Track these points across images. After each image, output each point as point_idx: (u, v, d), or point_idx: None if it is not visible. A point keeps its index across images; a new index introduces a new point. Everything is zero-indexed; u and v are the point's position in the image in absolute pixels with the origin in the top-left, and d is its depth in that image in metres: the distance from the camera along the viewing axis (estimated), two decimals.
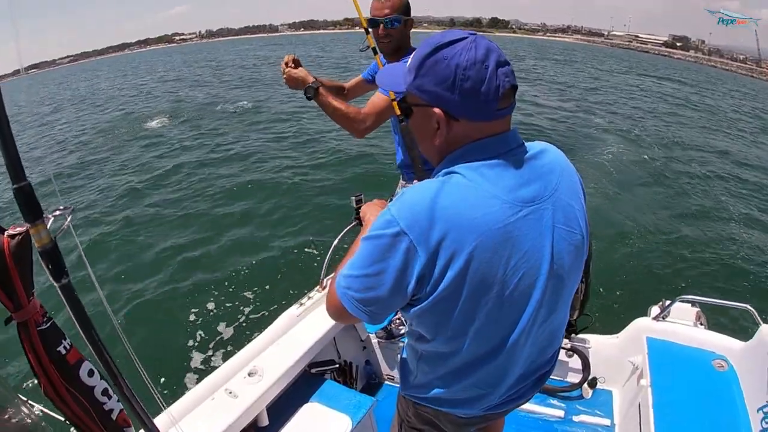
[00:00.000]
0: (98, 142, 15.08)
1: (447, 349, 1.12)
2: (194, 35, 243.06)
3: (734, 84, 40.48)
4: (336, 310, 1.12)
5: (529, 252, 1.00)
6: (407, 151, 2.44)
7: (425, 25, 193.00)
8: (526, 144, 1.09)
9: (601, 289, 5.07)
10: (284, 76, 2.23)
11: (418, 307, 1.03)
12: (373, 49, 2.44)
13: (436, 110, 1.00)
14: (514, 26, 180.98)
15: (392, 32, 2.26)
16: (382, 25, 2.26)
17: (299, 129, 14.04)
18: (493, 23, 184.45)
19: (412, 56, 1.05)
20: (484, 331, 1.06)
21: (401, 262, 0.96)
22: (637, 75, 34.91)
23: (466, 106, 0.98)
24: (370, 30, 2.37)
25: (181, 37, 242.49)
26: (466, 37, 0.97)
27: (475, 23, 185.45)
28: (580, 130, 13.30)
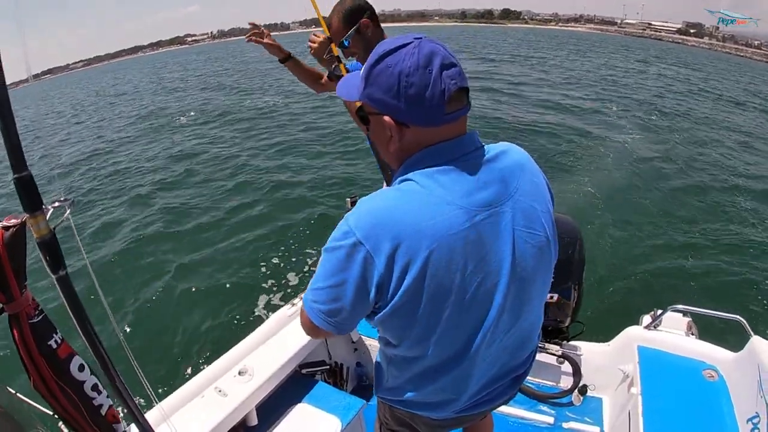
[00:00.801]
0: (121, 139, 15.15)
1: (412, 354, 1.12)
2: (206, 36, 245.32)
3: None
4: (306, 326, 1.14)
5: (487, 257, 1.00)
6: (376, 156, 2.48)
7: (436, 18, 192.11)
8: (487, 146, 1.08)
9: (593, 297, 5.09)
10: (265, 40, 2.40)
11: (381, 314, 1.03)
12: (337, 57, 2.48)
13: (386, 118, 1.00)
14: (526, 17, 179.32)
15: (350, 50, 2.23)
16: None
17: (303, 127, 14.08)
18: (505, 14, 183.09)
19: (364, 66, 1.04)
20: (447, 336, 1.06)
21: (360, 272, 0.97)
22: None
23: (413, 113, 0.97)
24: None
25: (193, 38, 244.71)
26: (410, 42, 0.96)
27: (487, 15, 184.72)
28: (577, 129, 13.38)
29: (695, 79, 26.45)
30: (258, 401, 2.02)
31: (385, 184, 2.81)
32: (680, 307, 2.46)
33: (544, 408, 2.62)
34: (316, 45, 2.33)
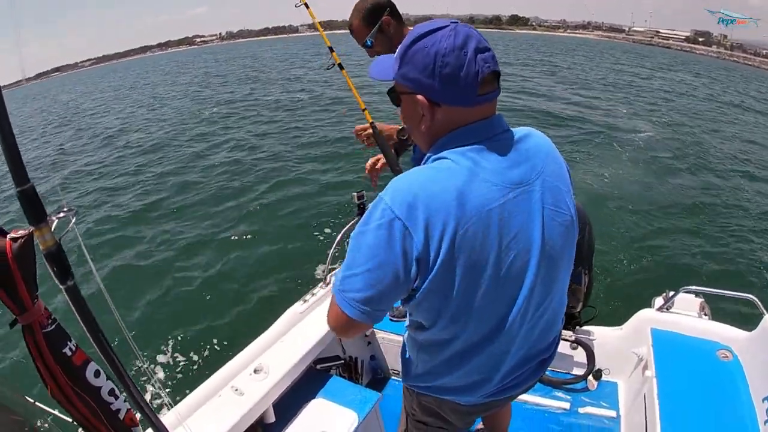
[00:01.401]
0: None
1: (446, 335, 1.13)
2: (215, 37, 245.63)
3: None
4: (338, 322, 1.11)
5: (521, 233, 1.03)
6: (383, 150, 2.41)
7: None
8: (513, 129, 1.12)
9: (606, 281, 5.07)
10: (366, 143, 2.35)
11: (419, 292, 1.03)
12: (339, 65, 2.53)
13: (419, 97, 1.03)
14: (534, 23, 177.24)
15: (375, 49, 2.21)
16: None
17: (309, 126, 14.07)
18: (513, 20, 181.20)
19: (399, 46, 1.07)
20: (482, 312, 1.07)
21: (401, 249, 0.97)
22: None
23: (446, 92, 1.00)
24: (334, 48, 2.50)
25: (202, 39, 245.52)
26: (447, 26, 1.00)
27: (495, 20, 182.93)
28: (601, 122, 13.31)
29: (704, 86, 26.03)
30: (274, 398, 2.04)
31: None
32: (692, 288, 2.45)
33: (560, 394, 2.62)
34: (364, 136, 2.34)
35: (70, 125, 21.40)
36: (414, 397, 1.40)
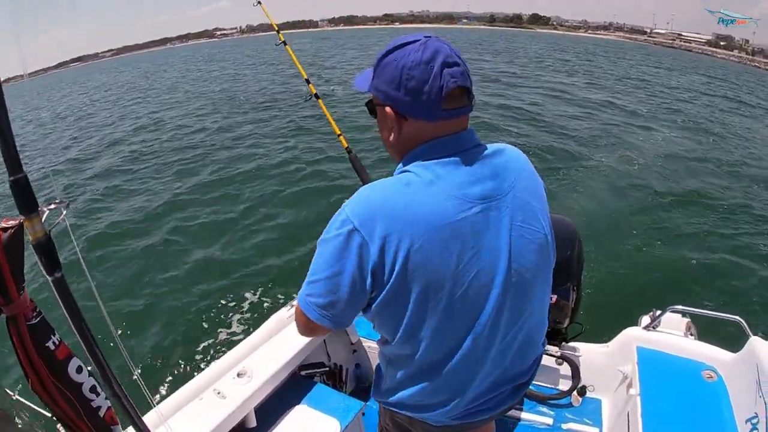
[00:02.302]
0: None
1: (407, 350, 1.11)
2: (235, 30, 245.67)
3: None
4: (302, 324, 1.15)
5: (484, 249, 1.01)
6: None
7: (464, 21, 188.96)
8: (486, 145, 1.11)
9: (593, 297, 5.09)
10: None
11: (376, 303, 1.04)
12: (315, 95, 2.65)
13: (387, 109, 1.05)
14: (555, 22, 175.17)
15: None
16: None
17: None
18: (534, 19, 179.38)
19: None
20: (440, 331, 1.05)
21: (356, 260, 0.99)
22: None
23: (411, 105, 1.02)
24: (310, 80, 2.67)
25: (222, 32, 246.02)
26: (419, 40, 1.02)
27: (516, 19, 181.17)
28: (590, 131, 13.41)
29: (724, 90, 25.97)
30: (257, 403, 2.02)
31: None
32: (679, 307, 2.46)
33: (543, 409, 2.62)
34: None
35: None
36: (387, 412, 1.38)
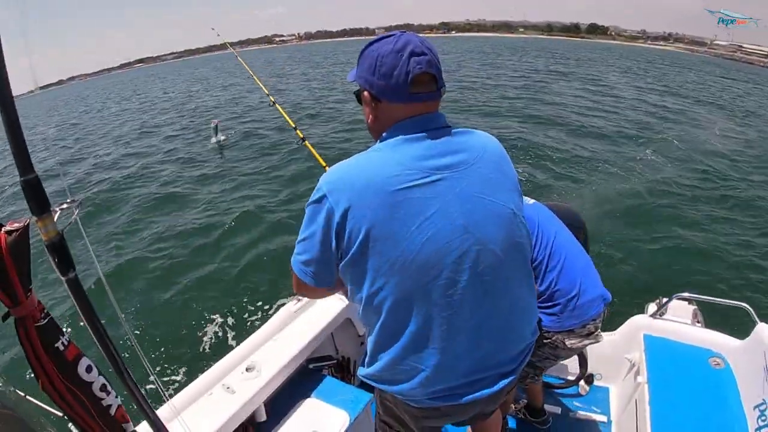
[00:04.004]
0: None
1: (373, 316, 1.19)
2: (293, 37, 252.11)
3: None
4: (294, 280, 1.27)
5: (437, 215, 1.09)
6: None
7: (521, 30, 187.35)
8: (455, 127, 1.21)
9: None
10: None
11: (342, 265, 1.16)
12: (303, 139, 2.91)
13: (365, 93, 1.20)
14: (613, 32, 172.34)
15: None
16: None
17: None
18: (592, 29, 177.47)
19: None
20: (399, 293, 1.12)
21: (324, 221, 1.11)
22: None
23: (383, 88, 1.16)
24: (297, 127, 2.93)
25: (281, 38, 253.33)
26: (394, 34, 1.17)
27: (573, 29, 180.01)
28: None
29: None
30: (266, 397, 2.03)
31: None
32: (686, 294, 2.46)
33: (552, 398, 2.63)
34: None
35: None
36: (378, 393, 1.43)
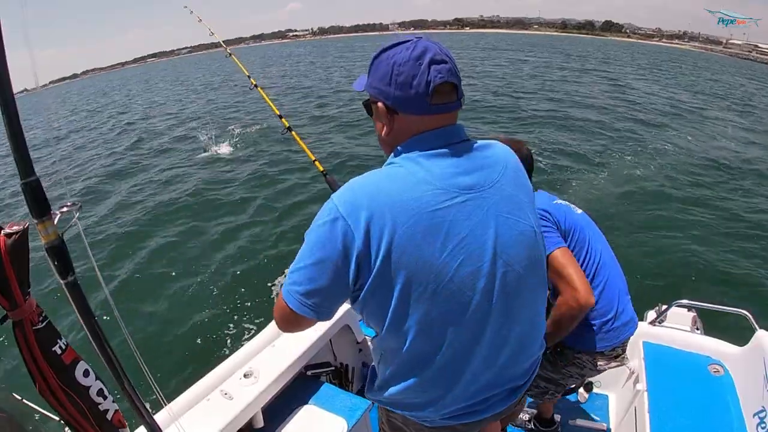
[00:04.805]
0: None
1: (395, 343, 1.10)
2: (307, 32, 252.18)
3: None
4: (281, 314, 1.12)
5: (469, 238, 1.02)
6: None
7: (536, 27, 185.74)
8: (474, 140, 1.14)
9: None
10: None
11: (363, 292, 1.04)
12: (289, 128, 2.81)
13: (379, 104, 1.10)
14: (627, 30, 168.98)
15: None
16: None
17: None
18: (607, 26, 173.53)
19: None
20: (427, 321, 1.05)
21: (341, 246, 0.99)
22: None
23: (401, 99, 1.06)
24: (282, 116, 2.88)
25: (294, 33, 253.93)
26: (410, 40, 1.07)
27: (588, 26, 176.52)
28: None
29: None
30: (264, 403, 2.02)
31: None
32: (685, 302, 2.45)
33: None
34: None
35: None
36: (383, 412, 1.38)
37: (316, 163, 2.61)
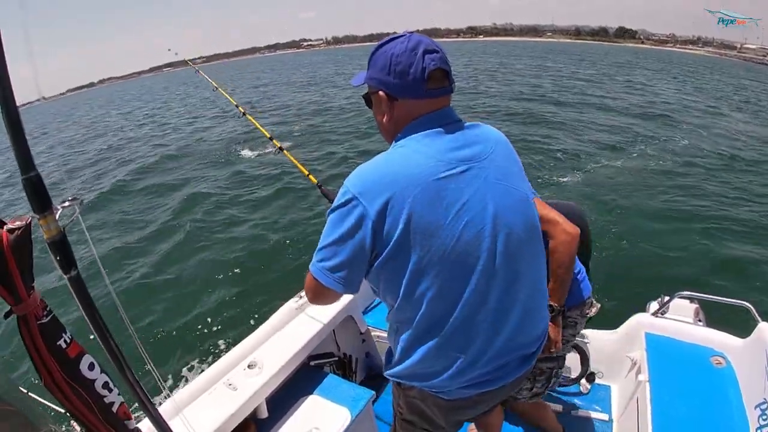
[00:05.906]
0: None
1: (410, 312, 1.20)
2: (321, 41, 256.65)
3: None
4: (312, 289, 1.24)
5: (471, 202, 1.14)
6: None
7: (549, 34, 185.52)
8: (464, 121, 1.26)
9: (600, 284, 5.06)
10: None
11: (378, 262, 1.15)
12: (280, 148, 2.89)
13: (380, 93, 1.22)
14: (641, 36, 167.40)
15: None
16: None
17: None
18: (621, 33, 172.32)
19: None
20: (439, 285, 1.15)
21: (356, 223, 1.11)
22: None
23: (400, 86, 1.19)
24: (273, 138, 2.96)
25: (309, 42, 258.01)
26: (404, 35, 1.21)
27: (601, 32, 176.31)
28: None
29: None
30: (268, 394, 2.04)
31: None
32: (687, 293, 2.45)
33: (553, 396, 2.63)
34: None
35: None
36: (400, 393, 1.43)
37: (310, 176, 2.71)
